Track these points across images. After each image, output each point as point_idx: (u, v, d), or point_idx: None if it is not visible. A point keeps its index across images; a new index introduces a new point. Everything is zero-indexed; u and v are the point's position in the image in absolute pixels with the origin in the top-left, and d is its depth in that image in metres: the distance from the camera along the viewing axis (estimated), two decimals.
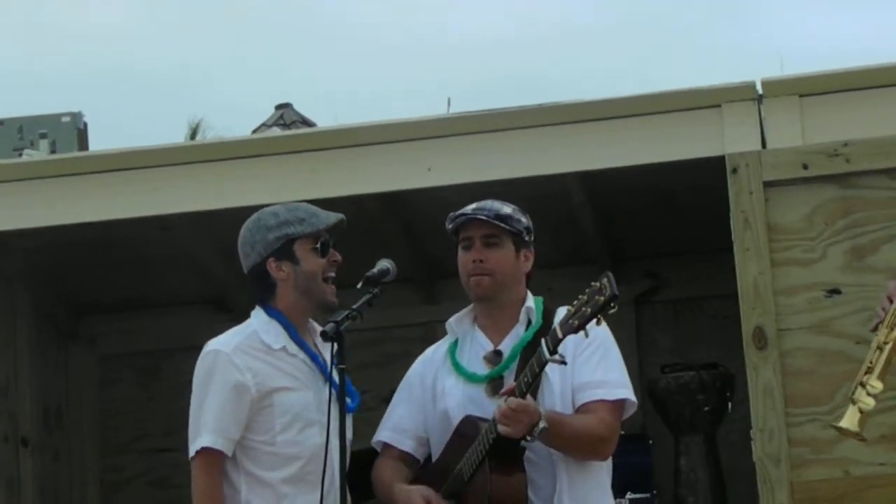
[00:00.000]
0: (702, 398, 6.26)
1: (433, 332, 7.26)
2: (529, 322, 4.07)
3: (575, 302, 3.81)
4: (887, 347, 3.45)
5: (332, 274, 4.12)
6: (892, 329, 3.48)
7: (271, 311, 4.12)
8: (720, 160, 5.41)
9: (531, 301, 4.09)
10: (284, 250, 4.10)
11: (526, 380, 3.83)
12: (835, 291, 5.30)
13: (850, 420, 3.42)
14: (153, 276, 6.93)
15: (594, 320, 3.73)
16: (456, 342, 4.17)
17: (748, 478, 5.39)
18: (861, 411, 3.40)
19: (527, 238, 4.12)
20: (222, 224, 6.18)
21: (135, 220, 5.99)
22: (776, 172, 5.38)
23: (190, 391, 4.13)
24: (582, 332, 3.78)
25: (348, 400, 4.00)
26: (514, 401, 3.81)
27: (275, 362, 4.05)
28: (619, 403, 4.01)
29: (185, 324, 7.08)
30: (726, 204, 5.37)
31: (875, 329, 3.50)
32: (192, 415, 4.05)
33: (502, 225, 4.05)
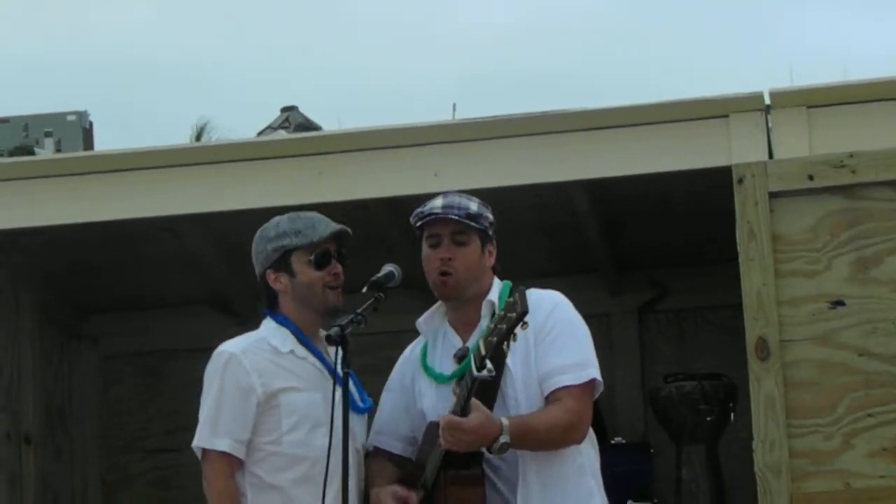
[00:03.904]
0: (704, 408, 6.25)
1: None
2: (494, 315, 4.07)
3: (494, 317, 3.83)
4: None
5: (334, 284, 4.11)
6: None
7: (279, 318, 4.13)
8: (727, 170, 5.41)
9: (495, 293, 4.08)
10: (282, 262, 4.12)
11: (463, 395, 3.83)
12: (839, 303, 5.29)
13: None
14: (157, 276, 6.93)
15: (511, 336, 3.76)
16: (427, 344, 4.18)
17: (749, 489, 5.38)
18: None
19: (490, 233, 4.12)
20: (227, 226, 6.20)
21: (139, 221, 6.00)
22: (782, 183, 5.38)
23: (194, 392, 4.14)
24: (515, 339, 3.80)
25: (359, 402, 4.01)
26: (446, 418, 3.81)
27: (282, 363, 4.07)
28: (588, 385, 3.98)
29: (188, 325, 7.09)
30: (732, 214, 5.37)
31: None
32: (204, 413, 4.06)
33: (471, 223, 4.04)
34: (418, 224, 4.10)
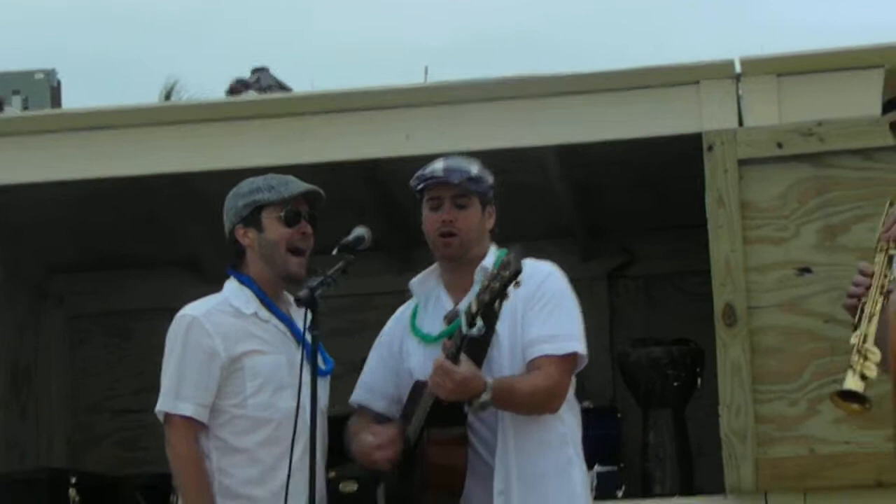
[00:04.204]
0: (672, 373, 6.27)
1: (404, 301, 7.28)
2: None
3: (488, 275, 3.84)
4: (875, 319, 3.48)
5: (301, 246, 4.09)
6: (881, 297, 3.50)
7: (242, 278, 4.12)
8: (697, 137, 5.43)
9: (490, 259, 4.09)
10: (252, 217, 4.10)
11: (452, 351, 3.84)
12: (806, 270, 5.33)
13: (854, 384, 3.40)
14: (127, 236, 6.91)
15: (503, 295, 3.77)
16: (418, 305, 4.18)
17: (715, 453, 5.42)
18: (864, 377, 3.39)
19: (490, 196, 4.13)
20: (197, 186, 6.19)
21: (108, 180, 5.97)
22: (751, 151, 5.40)
23: (162, 353, 4.13)
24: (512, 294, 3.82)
25: (322, 364, 4.00)
26: (438, 360, 3.81)
27: (246, 326, 4.05)
28: (569, 357, 3.99)
29: (157, 285, 7.07)
30: (702, 181, 5.39)
31: (855, 307, 3.52)
32: (167, 377, 4.04)
33: (472, 187, 4.06)
34: (419, 187, 4.11)
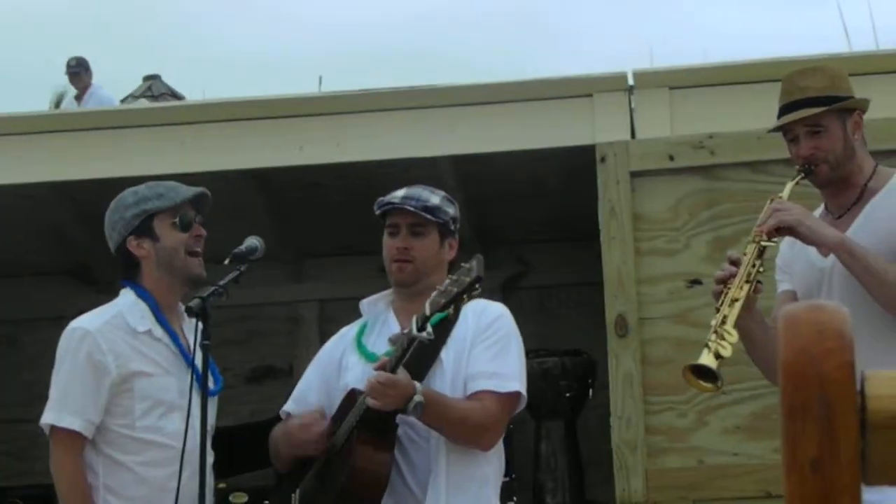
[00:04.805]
0: (564, 384, 6.31)
1: (297, 311, 7.26)
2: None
3: (447, 280, 3.83)
4: (738, 304, 3.54)
5: (198, 248, 4.05)
6: (747, 284, 3.56)
7: (140, 291, 4.05)
8: (590, 149, 5.46)
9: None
10: (143, 227, 4.03)
11: (397, 355, 3.82)
12: (696, 282, 5.38)
13: (708, 359, 3.46)
14: (15, 244, 6.81)
15: (460, 300, 3.74)
16: (366, 324, 4.16)
17: (606, 464, 5.46)
18: (718, 356, 3.44)
19: (452, 227, 4.13)
20: (87, 195, 6.11)
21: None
22: (643, 163, 5.44)
23: (50, 363, 4.06)
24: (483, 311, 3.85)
25: (211, 384, 3.95)
26: (381, 374, 3.79)
27: (138, 346, 3.99)
28: (510, 397, 3.99)
29: (46, 294, 6.98)
30: (595, 192, 5.43)
31: (720, 293, 3.58)
32: (55, 390, 3.98)
33: (429, 217, 4.05)
34: (378, 212, 4.10)
